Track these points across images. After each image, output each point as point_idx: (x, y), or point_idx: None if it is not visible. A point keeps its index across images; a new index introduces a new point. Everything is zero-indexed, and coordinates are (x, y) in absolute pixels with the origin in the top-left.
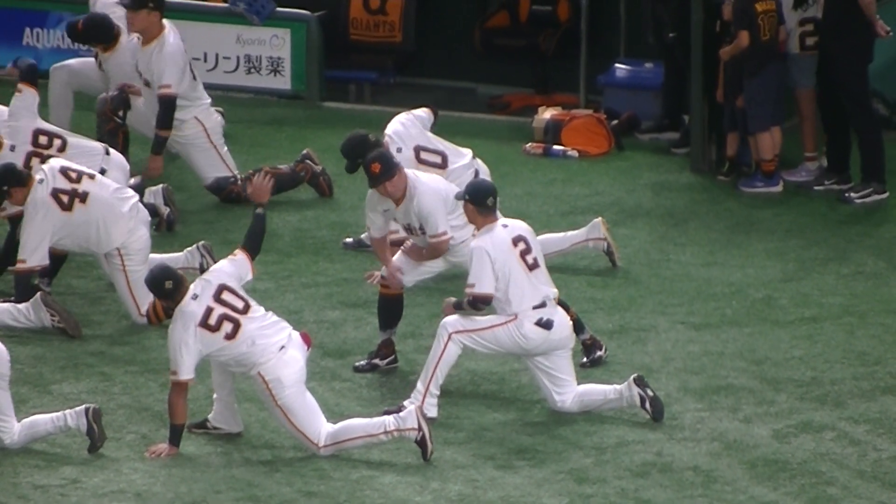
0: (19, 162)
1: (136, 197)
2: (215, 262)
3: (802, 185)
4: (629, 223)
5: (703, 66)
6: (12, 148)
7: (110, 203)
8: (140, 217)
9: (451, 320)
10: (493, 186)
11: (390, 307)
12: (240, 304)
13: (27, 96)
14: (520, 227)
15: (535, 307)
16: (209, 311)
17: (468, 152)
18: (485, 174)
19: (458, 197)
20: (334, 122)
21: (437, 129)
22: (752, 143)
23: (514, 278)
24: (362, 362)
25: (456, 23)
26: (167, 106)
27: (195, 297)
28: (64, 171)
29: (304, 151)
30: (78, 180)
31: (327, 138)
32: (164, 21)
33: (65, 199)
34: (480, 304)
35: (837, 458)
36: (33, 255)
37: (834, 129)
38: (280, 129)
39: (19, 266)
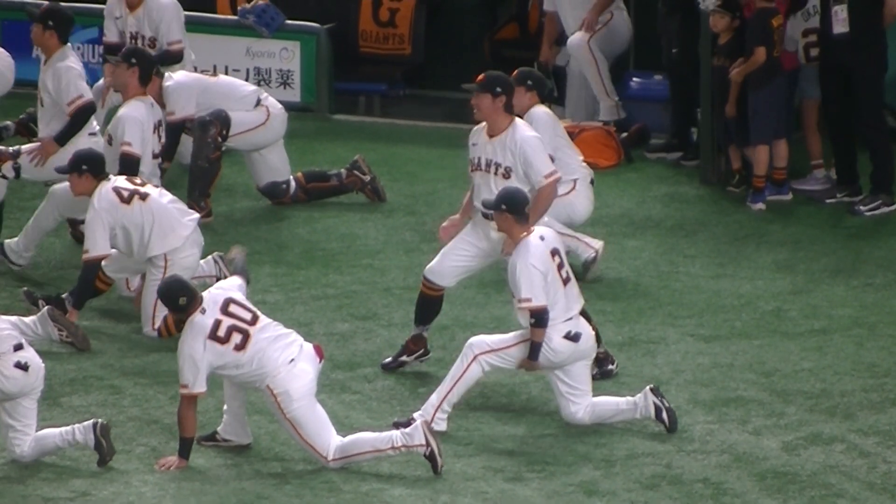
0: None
1: (197, 217)
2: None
3: (812, 195)
4: (638, 235)
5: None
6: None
7: (169, 210)
8: (194, 237)
9: (478, 340)
10: (527, 195)
11: (429, 305)
12: (247, 316)
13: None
14: (553, 237)
15: (564, 320)
16: (217, 323)
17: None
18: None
19: (492, 207)
20: (344, 134)
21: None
22: (753, 155)
23: (553, 293)
24: (388, 360)
25: (465, 34)
26: None
27: (203, 310)
28: (127, 178)
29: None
30: (141, 185)
31: (337, 150)
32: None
33: (125, 193)
34: (543, 317)
35: (847, 471)
36: (95, 245)
37: (841, 142)
38: (290, 142)
39: (84, 256)
